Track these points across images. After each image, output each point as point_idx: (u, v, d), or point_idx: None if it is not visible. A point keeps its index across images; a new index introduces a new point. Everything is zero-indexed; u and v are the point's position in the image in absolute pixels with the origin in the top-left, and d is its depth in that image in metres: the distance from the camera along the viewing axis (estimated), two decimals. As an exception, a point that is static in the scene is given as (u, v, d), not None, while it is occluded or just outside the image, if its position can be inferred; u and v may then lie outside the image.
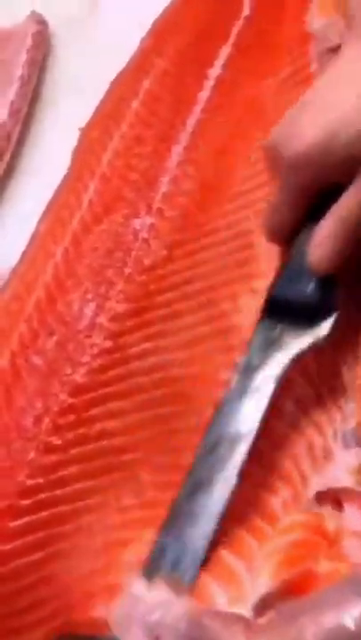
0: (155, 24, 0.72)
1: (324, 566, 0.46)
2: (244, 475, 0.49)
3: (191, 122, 0.62)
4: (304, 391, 0.53)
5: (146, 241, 0.57)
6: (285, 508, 0.50)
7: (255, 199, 0.59)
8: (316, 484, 0.50)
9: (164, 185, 0.59)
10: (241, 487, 0.49)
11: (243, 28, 0.68)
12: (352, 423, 0.52)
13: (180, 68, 0.65)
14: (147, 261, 0.57)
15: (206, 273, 0.57)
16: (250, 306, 0.56)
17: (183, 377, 0.54)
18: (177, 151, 0.60)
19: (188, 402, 0.53)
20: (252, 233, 0.58)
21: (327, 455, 0.51)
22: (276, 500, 0.50)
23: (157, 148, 0.61)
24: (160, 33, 0.71)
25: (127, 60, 0.70)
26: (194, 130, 0.61)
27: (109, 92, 0.68)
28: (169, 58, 0.66)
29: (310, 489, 0.50)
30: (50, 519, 0.49)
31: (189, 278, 0.56)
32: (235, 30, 0.68)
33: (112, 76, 0.70)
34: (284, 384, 0.52)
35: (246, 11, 0.70)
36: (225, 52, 0.67)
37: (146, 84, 0.65)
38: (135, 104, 0.64)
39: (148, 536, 0.49)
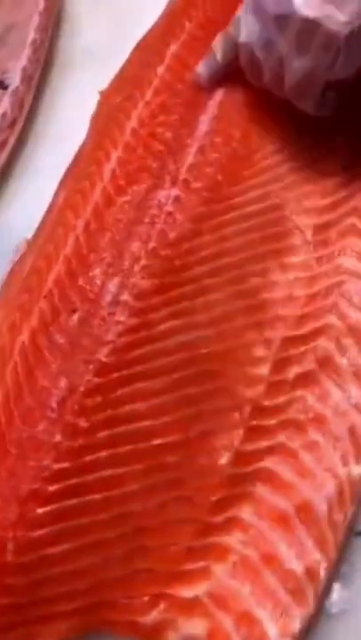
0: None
1: None
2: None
3: (220, 90, 0.59)
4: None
5: (171, 214, 0.55)
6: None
7: (284, 173, 0.57)
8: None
9: (190, 155, 0.56)
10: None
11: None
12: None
13: (209, 33, 0.60)
14: (172, 235, 0.54)
15: (235, 248, 0.54)
16: (281, 281, 0.54)
17: (213, 355, 0.51)
18: (204, 120, 0.57)
19: (218, 381, 0.51)
20: (283, 208, 0.56)
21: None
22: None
23: (184, 116, 0.57)
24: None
25: (144, 26, 0.66)
26: (222, 98, 0.58)
27: (132, 56, 0.65)
28: (198, 22, 0.62)
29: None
30: (80, 507, 0.47)
31: (217, 253, 0.54)
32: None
33: (127, 41, 0.66)
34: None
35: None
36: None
37: (173, 48, 0.61)
38: (161, 70, 0.60)
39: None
